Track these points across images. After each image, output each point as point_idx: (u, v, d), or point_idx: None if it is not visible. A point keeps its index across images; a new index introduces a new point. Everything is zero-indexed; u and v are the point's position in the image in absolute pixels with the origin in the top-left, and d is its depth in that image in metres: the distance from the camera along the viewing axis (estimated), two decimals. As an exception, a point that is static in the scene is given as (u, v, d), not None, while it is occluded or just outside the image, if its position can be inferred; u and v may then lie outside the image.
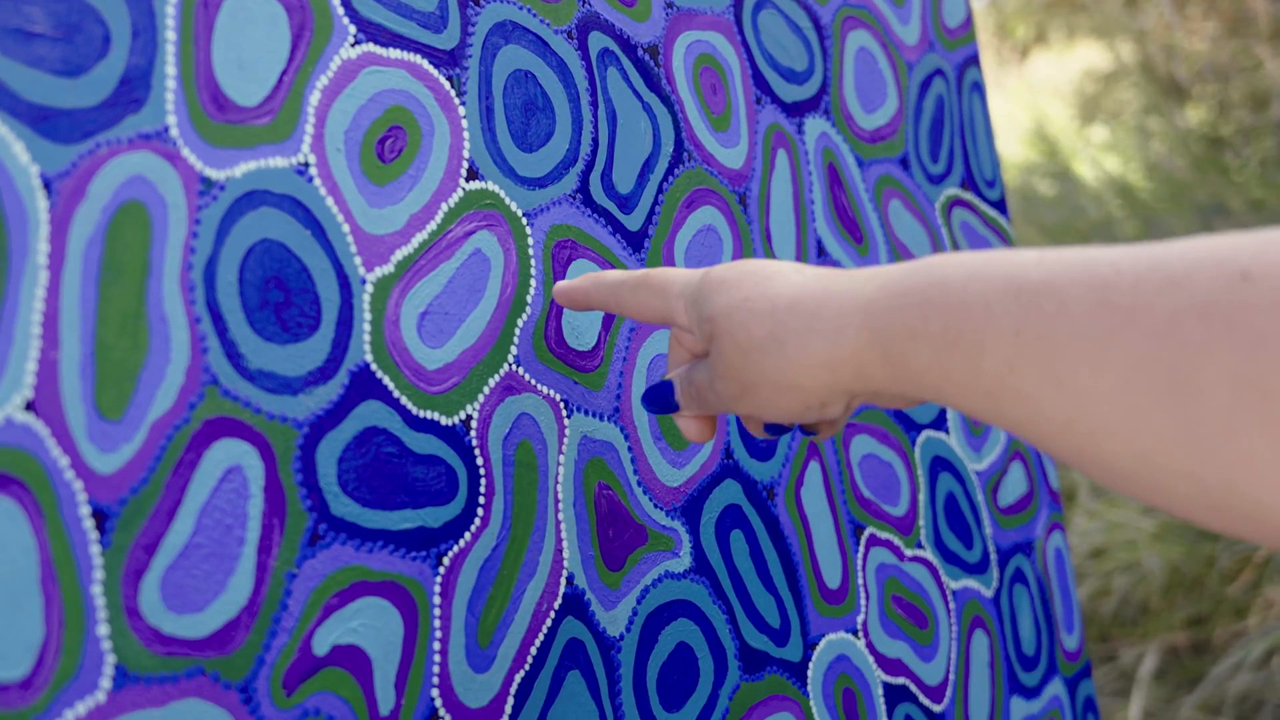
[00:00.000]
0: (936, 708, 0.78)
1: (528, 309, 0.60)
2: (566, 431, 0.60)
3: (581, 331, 0.62)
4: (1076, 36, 4.01)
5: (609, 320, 0.64)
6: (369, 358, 0.52)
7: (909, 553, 0.79)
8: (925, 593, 0.79)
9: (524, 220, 0.60)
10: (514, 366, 0.58)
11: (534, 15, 0.63)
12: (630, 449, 0.63)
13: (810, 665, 0.70)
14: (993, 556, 0.86)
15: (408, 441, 0.53)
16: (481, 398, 0.56)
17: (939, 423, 0.85)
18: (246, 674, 0.46)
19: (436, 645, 0.52)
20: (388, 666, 0.50)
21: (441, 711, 0.52)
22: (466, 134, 0.58)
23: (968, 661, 0.82)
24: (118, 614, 0.42)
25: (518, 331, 0.59)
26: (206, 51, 0.48)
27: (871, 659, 0.74)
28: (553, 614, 0.58)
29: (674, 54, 0.71)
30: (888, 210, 0.85)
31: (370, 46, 0.55)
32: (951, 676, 0.80)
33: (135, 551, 0.43)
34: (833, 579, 0.73)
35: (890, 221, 0.85)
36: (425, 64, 0.57)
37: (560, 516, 0.59)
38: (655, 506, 0.64)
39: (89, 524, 0.42)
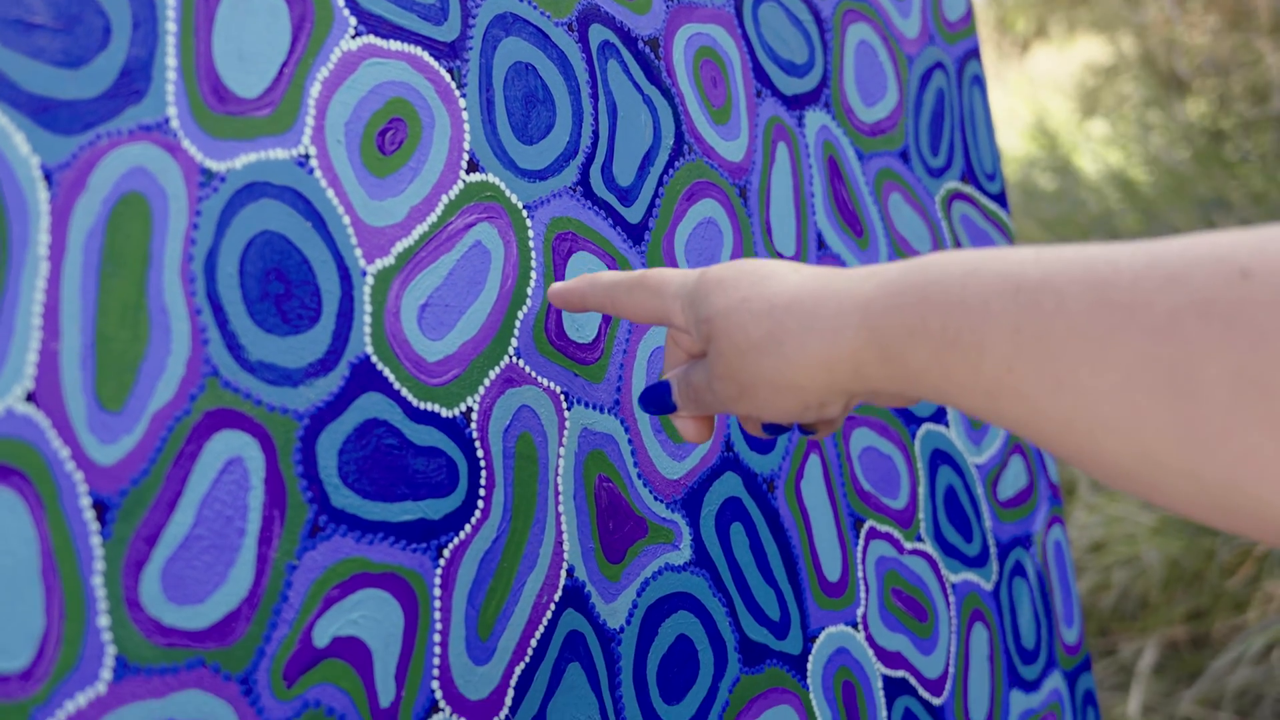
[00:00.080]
0: (936, 701, 0.78)
1: (528, 301, 0.60)
2: (567, 424, 0.60)
3: (582, 324, 0.62)
4: (1077, 30, 4.00)
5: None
6: (369, 350, 0.52)
7: (909, 546, 0.79)
8: (925, 586, 0.79)
9: (524, 212, 0.60)
10: (514, 359, 0.58)
11: (534, 7, 0.63)
12: (630, 441, 0.63)
13: (810, 658, 0.70)
14: (992, 550, 0.87)
15: (408, 433, 0.53)
16: (482, 390, 0.56)
17: (939, 416, 0.85)
18: (247, 665, 0.46)
19: (437, 637, 0.52)
20: (388, 658, 0.50)
21: (441, 703, 0.52)
22: (467, 126, 0.58)
23: (967, 655, 0.82)
24: (118, 605, 0.42)
25: (518, 324, 0.59)
26: (207, 43, 0.48)
27: (871, 652, 0.74)
28: (553, 606, 0.58)
29: (674, 47, 0.71)
30: (888, 203, 0.84)
31: (371, 38, 0.54)
32: (951, 670, 0.80)
33: (136, 543, 0.43)
34: (832, 572, 0.73)
35: (890, 215, 0.84)
36: (426, 56, 0.57)
37: (560, 509, 0.59)
38: (655, 499, 0.64)
39: (89, 515, 0.42)
